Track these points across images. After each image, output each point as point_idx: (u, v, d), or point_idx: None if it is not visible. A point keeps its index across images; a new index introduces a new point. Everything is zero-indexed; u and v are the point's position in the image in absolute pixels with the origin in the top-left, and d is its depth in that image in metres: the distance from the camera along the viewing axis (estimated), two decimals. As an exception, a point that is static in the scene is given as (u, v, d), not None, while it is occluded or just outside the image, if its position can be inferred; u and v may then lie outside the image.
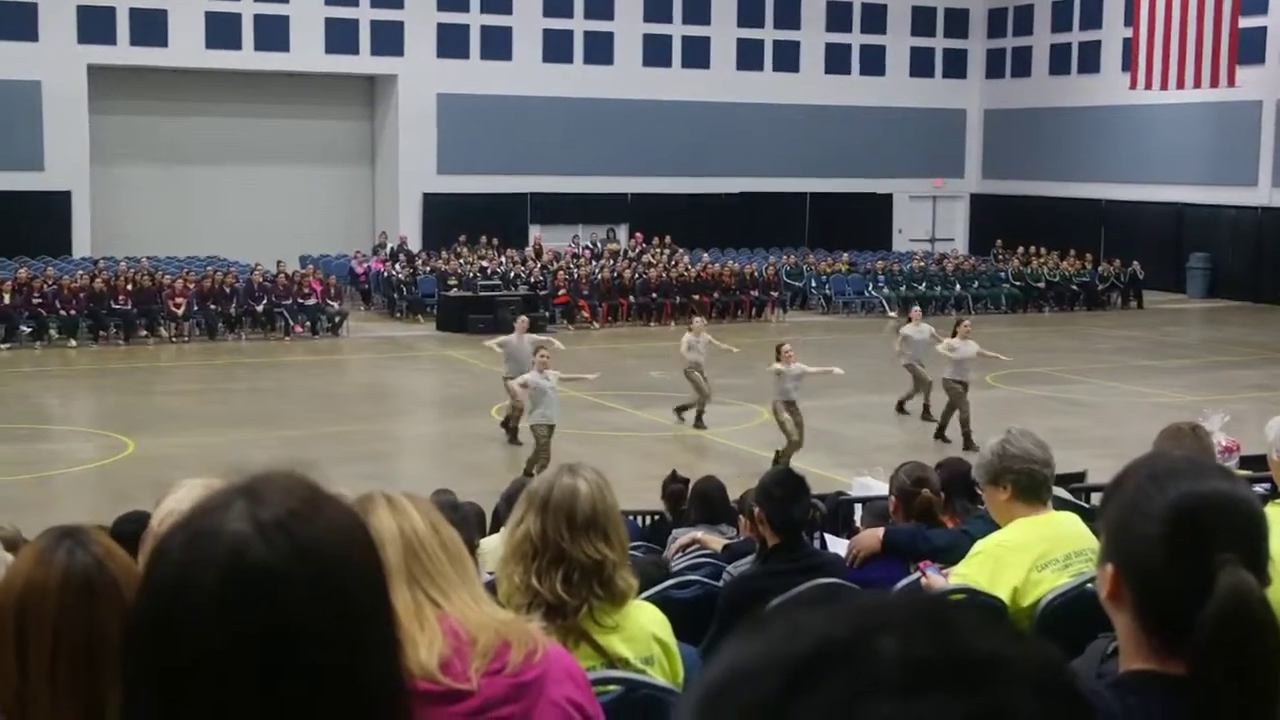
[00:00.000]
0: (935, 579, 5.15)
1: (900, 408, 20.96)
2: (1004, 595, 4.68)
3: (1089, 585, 4.19)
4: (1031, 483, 4.83)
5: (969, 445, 17.60)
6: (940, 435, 19.10)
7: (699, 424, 19.96)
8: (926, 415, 20.37)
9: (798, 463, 16.04)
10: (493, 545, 6.79)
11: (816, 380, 18.43)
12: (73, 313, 28.26)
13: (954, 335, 19.36)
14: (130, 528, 5.73)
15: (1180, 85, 36.73)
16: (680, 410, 20.27)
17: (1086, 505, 7.17)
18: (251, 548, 1.34)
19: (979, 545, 4.95)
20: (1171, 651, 1.98)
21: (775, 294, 33.89)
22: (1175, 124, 38.83)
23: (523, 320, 20.47)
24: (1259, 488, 5.59)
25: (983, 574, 4.76)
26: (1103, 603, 2.09)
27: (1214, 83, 36.08)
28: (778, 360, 17.60)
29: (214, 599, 1.32)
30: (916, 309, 22.78)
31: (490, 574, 3.88)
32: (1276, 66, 36.71)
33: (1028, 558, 4.70)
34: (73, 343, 28.02)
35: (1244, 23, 35.83)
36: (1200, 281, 38.81)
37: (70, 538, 2.29)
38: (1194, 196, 38.66)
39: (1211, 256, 38.60)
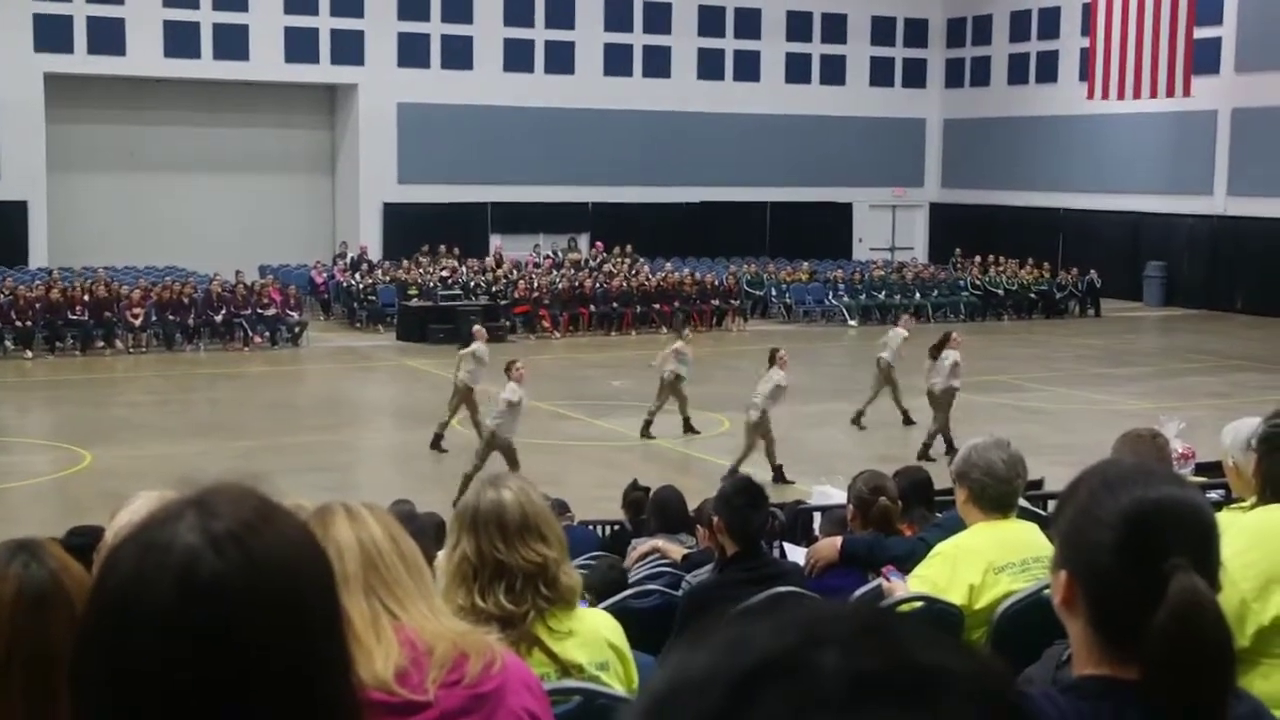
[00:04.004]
0: (897, 584, 5.19)
1: (907, 418, 20.74)
2: (961, 595, 4.73)
3: (1046, 591, 4.21)
4: (984, 494, 4.88)
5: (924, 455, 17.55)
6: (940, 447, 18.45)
7: (689, 429, 20.13)
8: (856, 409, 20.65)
9: (756, 472, 16.06)
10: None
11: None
12: (29, 324, 28.01)
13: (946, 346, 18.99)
14: (79, 541, 5.68)
15: (1137, 95, 37.07)
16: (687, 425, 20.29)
17: (1044, 513, 7.21)
18: (203, 559, 1.33)
19: (938, 547, 5.06)
20: (1124, 657, 1.99)
21: (735, 303, 33.95)
22: (1132, 134, 39.15)
23: (480, 329, 20.33)
24: (1214, 494, 5.64)
25: (941, 575, 4.84)
26: (1056, 609, 2.10)
27: (1170, 93, 36.43)
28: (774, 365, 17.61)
29: (165, 611, 1.31)
30: (907, 317, 22.68)
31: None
32: (1231, 76, 37.07)
33: (983, 560, 4.77)
34: (29, 354, 27.78)
35: (1199, 33, 36.19)
36: (1157, 290, 39.13)
37: (25, 550, 2.27)
38: (1150, 205, 38.98)
39: (1168, 265, 38.93)
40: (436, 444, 18.94)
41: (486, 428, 16.79)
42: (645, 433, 19.93)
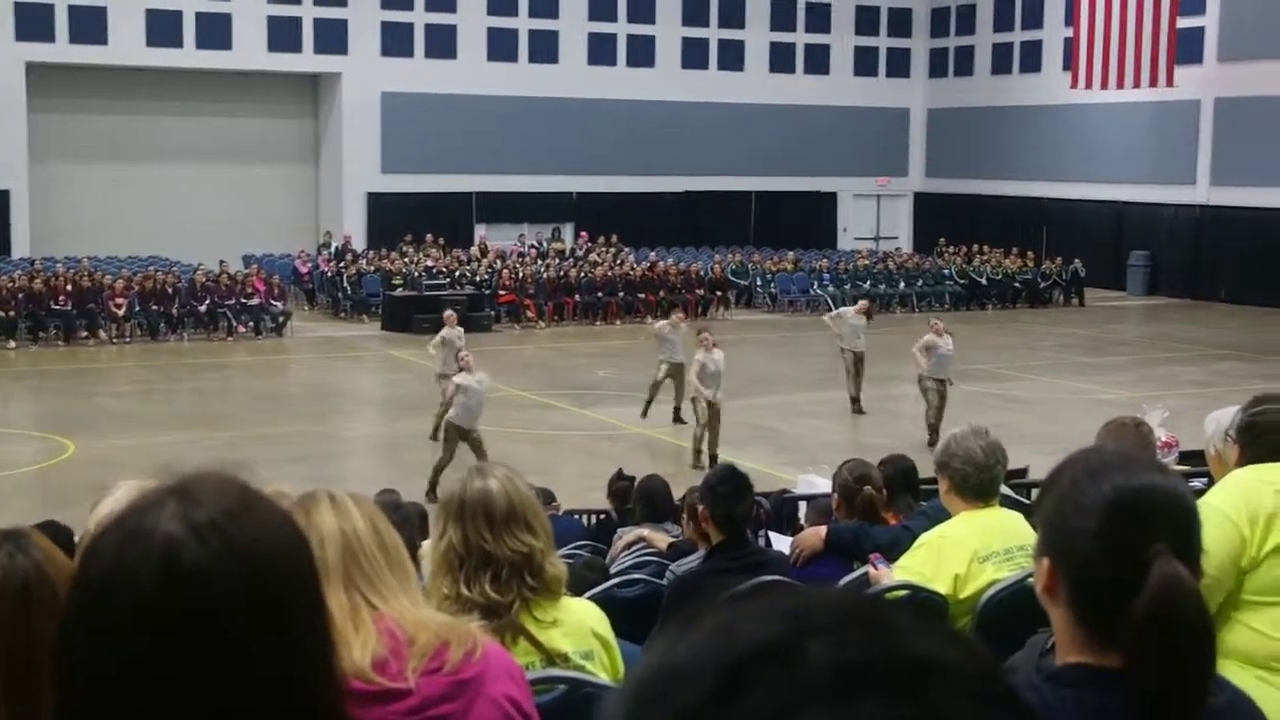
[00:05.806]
0: (883, 571, 5.20)
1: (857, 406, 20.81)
2: (946, 585, 4.74)
3: (1030, 580, 4.23)
4: (965, 483, 4.89)
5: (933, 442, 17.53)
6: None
7: (645, 414, 19.98)
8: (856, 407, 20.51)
9: (744, 460, 16.07)
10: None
11: (760, 376, 18.45)
12: (11, 314, 27.91)
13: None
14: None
15: (1120, 85, 37.13)
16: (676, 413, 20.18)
17: (1027, 501, 7.22)
18: (185, 548, 1.33)
19: (922, 538, 5.05)
20: (1106, 644, 2.00)
21: (719, 293, 33.95)
22: (1115, 123, 39.23)
23: (451, 314, 20.16)
24: (1197, 482, 5.65)
25: (926, 565, 4.85)
26: (1039, 596, 2.10)
27: (1153, 82, 36.49)
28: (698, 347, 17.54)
29: (147, 600, 1.31)
30: (864, 303, 22.37)
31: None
32: (1214, 66, 37.15)
33: (967, 549, 4.78)
34: (11, 344, 27.68)
35: (1182, 23, 36.25)
36: (1140, 279, 39.23)
37: (10, 541, 2.26)
38: (1134, 195, 39.09)
39: (1151, 254, 39.04)
40: (436, 434, 18.79)
41: (447, 420, 16.44)
42: (677, 418, 19.86)
